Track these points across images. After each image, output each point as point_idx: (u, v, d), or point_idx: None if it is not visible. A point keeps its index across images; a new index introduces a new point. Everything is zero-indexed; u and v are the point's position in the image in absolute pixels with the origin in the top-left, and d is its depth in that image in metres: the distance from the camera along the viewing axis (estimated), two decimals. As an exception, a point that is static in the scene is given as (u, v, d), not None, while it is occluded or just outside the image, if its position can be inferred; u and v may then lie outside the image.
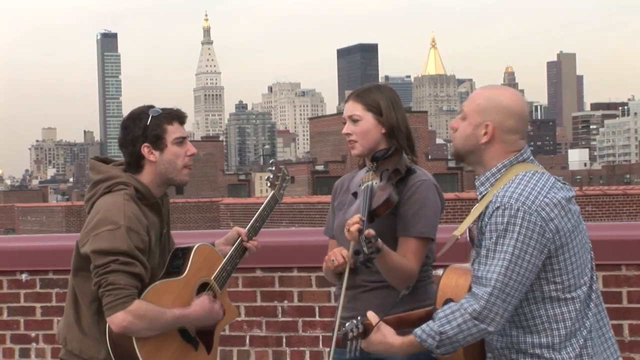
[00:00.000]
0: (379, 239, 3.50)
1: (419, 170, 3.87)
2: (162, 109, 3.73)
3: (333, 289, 5.27)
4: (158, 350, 3.57)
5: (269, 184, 4.13)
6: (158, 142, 3.67)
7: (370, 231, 3.44)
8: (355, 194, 3.90)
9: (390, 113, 3.91)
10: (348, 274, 3.60)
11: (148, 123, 3.67)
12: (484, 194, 3.21)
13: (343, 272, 3.63)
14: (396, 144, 3.90)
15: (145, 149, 3.67)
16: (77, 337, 3.71)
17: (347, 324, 3.17)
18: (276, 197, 4.10)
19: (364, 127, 3.90)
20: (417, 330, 3.11)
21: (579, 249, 3.15)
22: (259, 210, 4.03)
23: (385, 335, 3.17)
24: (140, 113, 3.72)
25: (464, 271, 3.27)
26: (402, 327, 3.22)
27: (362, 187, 3.77)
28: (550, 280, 3.11)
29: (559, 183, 3.17)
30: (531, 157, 3.24)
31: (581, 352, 3.15)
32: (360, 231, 3.45)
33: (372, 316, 3.20)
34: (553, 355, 3.13)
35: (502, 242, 3.05)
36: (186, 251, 3.75)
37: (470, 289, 3.16)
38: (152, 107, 3.75)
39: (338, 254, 3.69)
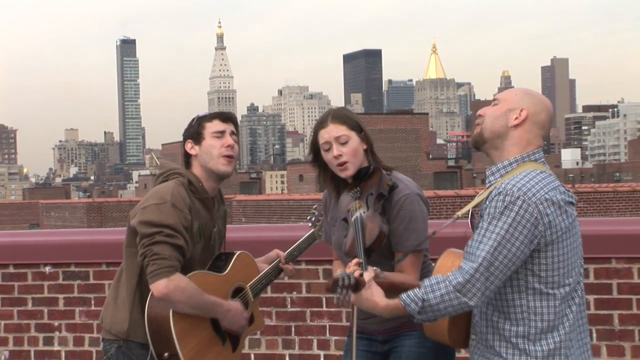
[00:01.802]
0: (382, 274, 3.43)
1: (401, 183, 3.76)
2: (214, 112, 3.89)
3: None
4: (190, 332, 3.60)
5: (310, 223, 4.28)
6: (197, 137, 3.80)
7: (369, 274, 3.34)
8: (346, 220, 3.75)
9: (365, 130, 3.83)
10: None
11: (193, 123, 3.85)
12: (492, 183, 3.21)
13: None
14: (372, 161, 3.81)
15: (188, 145, 3.83)
16: (111, 314, 3.78)
17: (339, 272, 3.19)
18: (315, 235, 4.26)
19: (353, 147, 3.77)
20: (403, 295, 3.13)
21: (569, 250, 3.12)
22: (298, 242, 4.21)
23: (373, 294, 3.20)
24: (192, 118, 3.89)
25: (460, 254, 3.27)
26: (393, 293, 3.23)
27: (352, 219, 3.65)
28: (535, 273, 3.10)
29: (562, 188, 3.16)
30: (542, 159, 3.24)
31: (557, 351, 3.12)
32: (361, 276, 3.38)
33: (367, 275, 3.23)
34: (527, 346, 3.11)
35: (496, 224, 3.04)
36: (229, 255, 3.85)
37: None
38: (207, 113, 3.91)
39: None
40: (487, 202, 3.11)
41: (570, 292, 3.15)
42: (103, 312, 3.84)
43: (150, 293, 3.59)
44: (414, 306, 3.09)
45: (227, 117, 3.86)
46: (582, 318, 3.22)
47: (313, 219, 4.25)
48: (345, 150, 3.75)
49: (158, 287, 3.49)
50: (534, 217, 3.03)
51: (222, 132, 3.79)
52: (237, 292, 3.82)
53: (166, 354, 3.55)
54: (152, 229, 3.54)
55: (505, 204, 3.04)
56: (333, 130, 3.77)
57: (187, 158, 3.84)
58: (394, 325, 3.82)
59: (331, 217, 3.99)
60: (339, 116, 3.82)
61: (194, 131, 3.81)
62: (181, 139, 3.92)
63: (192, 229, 3.66)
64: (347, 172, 3.78)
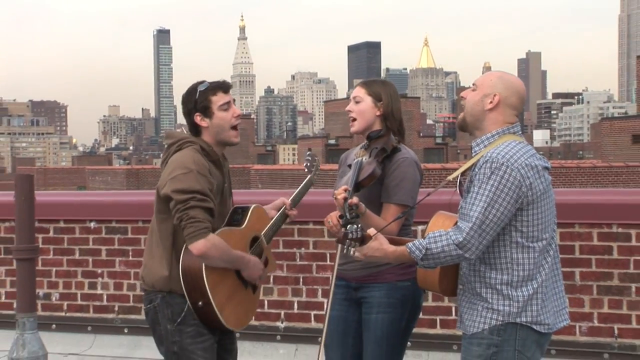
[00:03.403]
0: (361, 205, 3.48)
1: (404, 149, 3.81)
2: (210, 83, 3.72)
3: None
4: (219, 282, 3.57)
5: (306, 170, 4.20)
6: (206, 111, 3.67)
7: (353, 200, 3.40)
8: (350, 166, 3.84)
9: (387, 102, 3.85)
10: (340, 252, 3.54)
11: (197, 97, 3.68)
12: (477, 152, 3.23)
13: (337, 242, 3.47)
14: (388, 127, 3.84)
15: (197, 118, 3.68)
16: (152, 273, 3.66)
17: (348, 227, 3.18)
18: (312, 180, 4.18)
19: (362, 107, 3.85)
20: (409, 243, 3.14)
21: (546, 209, 3.15)
22: (299, 188, 4.10)
23: (382, 243, 3.19)
24: (192, 90, 3.72)
25: (449, 216, 3.29)
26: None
27: (354, 162, 3.73)
28: (518, 229, 3.12)
29: (539, 155, 3.19)
30: (520, 132, 3.26)
31: (535, 295, 3.14)
32: (345, 199, 3.41)
33: (371, 230, 3.22)
34: (510, 292, 3.13)
35: (485, 187, 3.06)
36: (245, 209, 3.78)
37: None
38: (202, 82, 3.74)
39: (334, 217, 3.67)
40: (476, 170, 3.12)
41: (546, 246, 3.17)
42: (142, 271, 3.73)
43: (182, 251, 3.53)
44: (418, 253, 3.10)
45: (228, 88, 3.75)
46: (556, 269, 3.25)
47: (308, 164, 4.21)
48: (356, 108, 3.87)
49: (197, 246, 3.44)
50: (517, 180, 3.05)
51: (229, 103, 3.71)
52: (254, 241, 3.78)
53: (200, 303, 3.52)
54: (185, 196, 3.47)
55: (491, 170, 3.06)
56: (355, 92, 3.92)
57: (196, 127, 3.71)
58: (366, 274, 3.83)
59: (342, 171, 4.04)
60: (367, 82, 3.94)
61: (202, 105, 3.67)
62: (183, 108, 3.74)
63: (213, 189, 3.61)
64: (353, 129, 3.90)
